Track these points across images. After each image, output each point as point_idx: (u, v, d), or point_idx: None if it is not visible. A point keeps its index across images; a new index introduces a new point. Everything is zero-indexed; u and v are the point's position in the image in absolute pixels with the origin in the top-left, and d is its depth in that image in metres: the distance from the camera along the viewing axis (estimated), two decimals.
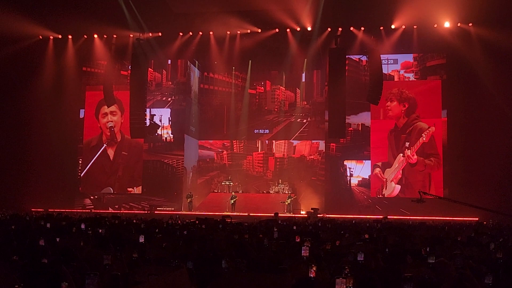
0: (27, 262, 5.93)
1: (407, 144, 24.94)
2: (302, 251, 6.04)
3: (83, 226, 9.96)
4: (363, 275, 5.06)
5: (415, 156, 24.67)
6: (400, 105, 25.23)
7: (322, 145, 27.11)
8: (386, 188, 25.10)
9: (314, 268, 5.16)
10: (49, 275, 5.23)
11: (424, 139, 24.64)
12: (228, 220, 13.53)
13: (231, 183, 26.06)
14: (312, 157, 27.84)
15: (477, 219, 19.40)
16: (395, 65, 25.82)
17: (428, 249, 7.13)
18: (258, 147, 28.78)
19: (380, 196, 25.09)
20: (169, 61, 27.49)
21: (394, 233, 10.80)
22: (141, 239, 7.55)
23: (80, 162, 27.54)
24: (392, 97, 25.22)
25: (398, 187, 24.87)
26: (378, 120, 25.51)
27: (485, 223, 17.41)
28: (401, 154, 25.00)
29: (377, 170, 25.29)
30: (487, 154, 22.95)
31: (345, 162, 25.78)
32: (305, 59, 27.06)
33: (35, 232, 9.31)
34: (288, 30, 25.39)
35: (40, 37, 26.44)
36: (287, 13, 23.87)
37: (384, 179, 25.16)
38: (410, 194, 24.07)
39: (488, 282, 4.99)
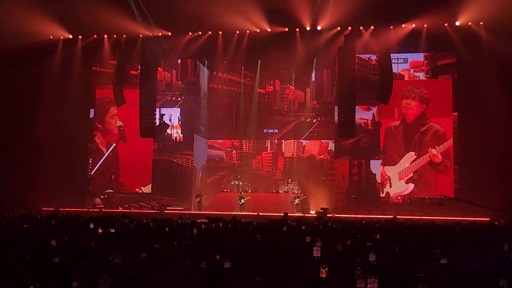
0: (39, 261, 5.95)
1: (419, 143, 24.83)
2: (314, 252, 6.00)
3: (91, 225, 9.94)
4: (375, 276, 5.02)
5: (440, 157, 24.53)
6: (421, 106, 25.10)
7: (331, 144, 27.05)
8: (391, 187, 24.97)
9: (326, 269, 5.13)
10: (60, 274, 5.25)
11: (449, 144, 24.51)
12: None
13: (241, 183, 26.05)
14: (321, 156, 27.76)
15: (488, 219, 19.24)
16: (405, 64, 25.70)
17: (440, 250, 7.08)
18: (267, 147, 28.74)
19: (384, 194, 24.98)
20: (179, 61, 27.55)
21: (405, 233, 10.74)
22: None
23: (90, 161, 27.69)
24: (414, 96, 25.10)
25: (412, 185, 24.72)
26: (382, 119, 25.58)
27: (496, 223, 17.27)
28: (413, 153, 24.86)
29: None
30: (498, 153, 22.75)
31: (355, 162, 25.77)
32: (315, 58, 27.00)
33: (47, 231, 9.36)
34: (297, 29, 25.35)
35: (51, 37, 26.59)
36: (296, 12, 23.81)
37: (387, 177, 25.05)
38: (424, 194, 24.07)
39: (503, 285, 4.89)
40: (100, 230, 9.07)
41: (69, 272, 5.31)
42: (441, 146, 24.62)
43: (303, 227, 11.89)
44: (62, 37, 26.89)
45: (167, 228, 10.55)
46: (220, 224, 12.00)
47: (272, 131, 28.67)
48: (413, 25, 24.36)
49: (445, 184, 24.23)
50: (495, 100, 22.65)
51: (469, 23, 23.86)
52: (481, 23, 23.62)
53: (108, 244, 7.56)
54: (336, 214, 21.68)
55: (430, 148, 24.71)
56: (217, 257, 6.40)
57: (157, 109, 23.98)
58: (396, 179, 24.94)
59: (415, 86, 25.29)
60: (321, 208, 22.32)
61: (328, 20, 24.14)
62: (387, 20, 23.98)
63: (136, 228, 10.77)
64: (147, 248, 7.26)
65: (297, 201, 23.93)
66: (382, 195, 25.08)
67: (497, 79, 22.55)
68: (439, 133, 24.75)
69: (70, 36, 26.89)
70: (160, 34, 25.90)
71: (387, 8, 22.89)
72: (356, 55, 23.04)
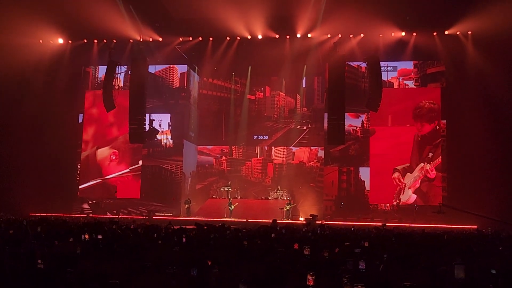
0: (24, 267, 5.89)
1: (430, 155, 24.94)
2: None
3: (87, 236, 9.51)
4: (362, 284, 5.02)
5: (434, 172, 24.62)
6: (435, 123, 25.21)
7: (321, 151, 27.08)
8: (403, 194, 25.02)
9: (314, 277, 5.12)
10: (45, 281, 5.19)
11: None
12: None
13: (230, 189, 25.98)
14: (311, 163, 27.79)
15: (475, 227, 19.35)
16: (394, 72, 25.88)
17: (428, 258, 7.09)
18: (257, 153, 28.73)
19: (397, 201, 24.97)
20: (169, 66, 27.50)
21: (393, 240, 10.76)
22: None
23: (79, 166, 27.49)
24: (429, 118, 25.18)
25: (414, 196, 24.79)
26: (387, 127, 25.56)
27: (484, 231, 17.37)
28: (423, 164, 24.95)
29: (396, 174, 25.17)
30: (486, 161, 22.91)
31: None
32: (305, 66, 27.11)
33: (33, 237, 9.25)
34: (287, 36, 25.43)
35: (41, 41, 26.48)
36: (287, 19, 23.90)
37: (403, 184, 25.07)
38: (417, 202, 24.33)
39: None
40: (86, 236, 8.96)
41: (54, 280, 5.25)
42: (435, 161, 24.74)
43: (292, 234, 11.86)
44: (51, 41, 26.78)
45: (155, 235, 10.48)
46: (208, 230, 11.94)
47: (262, 137, 28.68)
48: (403, 34, 24.54)
49: (433, 192, 24.38)
50: (483, 108, 22.86)
51: (458, 33, 24.10)
52: (470, 32, 23.87)
53: (95, 251, 7.49)
54: (325, 221, 21.70)
55: (425, 163, 24.79)
56: (209, 263, 6.38)
57: (147, 115, 23.91)
58: (408, 187, 25.00)
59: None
60: (310, 215, 22.33)
61: (318, 28, 24.23)
62: (377, 28, 24.10)
63: (124, 234, 10.68)
64: (135, 255, 7.21)
65: (288, 207, 23.94)
66: (397, 201, 25.00)
67: (484, 88, 22.74)
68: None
69: (61, 41, 26.77)
70: (150, 39, 25.87)
71: (376, 16, 22.98)
72: (346, 63, 23.19)
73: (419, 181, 24.86)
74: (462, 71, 23.86)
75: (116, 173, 27.11)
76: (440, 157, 24.73)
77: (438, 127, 25.07)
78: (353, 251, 8.07)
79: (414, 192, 24.83)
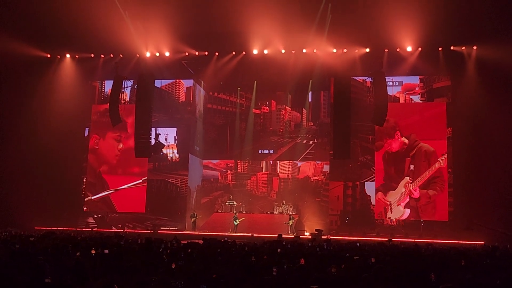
0: (31, 281, 5.89)
1: (412, 167, 24.87)
2: None
3: (93, 251, 9.44)
4: None
5: (417, 191, 24.56)
6: (401, 139, 25.21)
7: (326, 166, 27.02)
8: (391, 212, 24.90)
9: None
10: None
11: (431, 170, 24.57)
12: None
13: (235, 203, 25.92)
14: (316, 178, 27.72)
15: (482, 242, 19.23)
16: (400, 87, 25.88)
17: (436, 274, 7.04)
18: (262, 168, 28.70)
19: (385, 219, 24.89)
20: (175, 80, 27.65)
21: (401, 256, 10.70)
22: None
23: (84, 181, 27.54)
24: (392, 133, 25.26)
25: (408, 211, 24.66)
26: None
27: (490, 246, 17.24)
28: (408, 178, 24.88)
29: (379, 194, 25.16)
30: (494, 177, 22.79)
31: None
32: (310, 80, 27.17)
33: (39, 252, 9.26)
34: (293, 51, 25.52)
35: (48, 55, 26.75)
36: (292, 35, 23.99)
37: (388, 202, 24.98)
38: (422, 216, 24.18)
39: None
40: (93, 251, 8.97)
41: None
42: (418, 179, 24.69)
43: (298, 249, 11.82)
44: (58, 56, 27.03)
45: (161, 249, 10.48)
46: (214, 245, 11.92)
47: (267, 151, 28.66)
48: (408, 48, 24.56)
49: (440, 206, 24.24)
50: (489, 122, 22.77)
51: (463, 48, 24.13)
52: (475, 47, 23.90)
53: (102, 266, 7.48)
54: (331, 236, 21.59)
55: (407, 183, 24.73)
56: (214, 277, 6.36)
57: (153, 129, 23.96)
58: (395, 204, 24.87)
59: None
60: (316, 230, 22.22)
61: (324, 43, 24.31)
62: (382, 43, 24.18)
63: (130, 248, 10.67)
64: (141, 269, 7.20)
65: (291, 222, 23.84)
66: (384, 219, 24.93)
67: (490, 102, 22.65)
68: (428, 153, 24.80)
69: (68, 55, 27.03)
70: (157, 53, 26.05)
71: (381, 31, 23.09)
72: (351, 77, 23.23)
73: (409, 196, 24.81)
74: (467, 85, 23.82)
75: (125, 185, 27.16)
76: (425, 175, 24.63)
77: (406, 141, 25.07)
78: (360, 267, 8.02)
79: (407, 207, 24.70)
